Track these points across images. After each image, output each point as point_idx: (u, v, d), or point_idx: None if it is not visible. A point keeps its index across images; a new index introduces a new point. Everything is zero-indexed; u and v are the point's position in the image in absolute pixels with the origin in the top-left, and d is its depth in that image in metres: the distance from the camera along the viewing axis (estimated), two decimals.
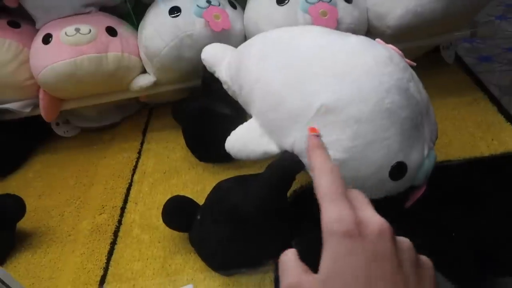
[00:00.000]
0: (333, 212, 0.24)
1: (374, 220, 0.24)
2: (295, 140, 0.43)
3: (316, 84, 0.41)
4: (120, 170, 0.74)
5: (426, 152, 0.42)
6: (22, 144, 0.82)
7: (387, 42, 0.62)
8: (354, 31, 0.63)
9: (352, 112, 0.39)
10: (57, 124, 0.82)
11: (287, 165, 0.44)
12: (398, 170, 0.40)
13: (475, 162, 0.61)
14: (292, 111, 0.42)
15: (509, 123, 0.65)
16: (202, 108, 0.65)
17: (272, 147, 0.46)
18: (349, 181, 0.41)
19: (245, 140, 0.47)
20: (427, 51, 0.79)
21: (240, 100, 0.54)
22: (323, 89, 0.40)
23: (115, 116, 0.85)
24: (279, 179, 0.45)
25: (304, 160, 0.44)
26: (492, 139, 0.63)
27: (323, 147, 0.29)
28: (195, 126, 0.68)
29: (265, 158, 0.47)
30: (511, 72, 1.33)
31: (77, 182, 0.73)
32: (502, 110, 0.68)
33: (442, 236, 0.55)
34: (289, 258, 0.26)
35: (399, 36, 0.65)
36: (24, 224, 0.64)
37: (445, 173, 0.61)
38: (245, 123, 0.49)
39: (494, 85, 1.24)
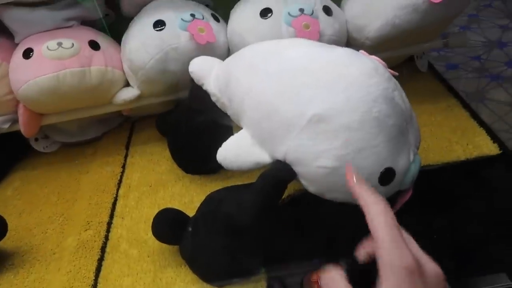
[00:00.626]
0: (394, 249, 0.27)
1: (432, 264, 0.28)
2: (288, 149, 0.44)
3: (307, 94, 0.42)
4: (104, 184, 0.73)
5: (411, 157, 0.44)
6: (0, 161, 0.79)
7: (366, 52, 0.65)
8: (335, 42, 0.66)
9: (343, 121, 0.41)
10: (36, 139, 0.80)
11: (280, 175, 0.45)
12: (387, 175, 0.42)
13: (453, 166, 0.64)
14: (284, 120, 0.43)
15: (482, 128, 0.69)
16: (188, 119, 0.65)
17: (264, 157, 0.47)
18: (340, 188, 0.43)
19: (237, 151, 0.48)
20: (403, 60, 0.82)
21: (230, 112, 0.54)
22: (314, 99, 0.42)
23: (97, 130, 0.84)
24: (272, 188, 0.46)
25: (296, 168, 0.45)
26: (467, 144, 0.66)
27: (366, 182, 0.33)
28: (180, 138, 0.68)
29: (257, 168, 0.48)
30: (477, 79, 1.40)
31: (60, 198, 0.72)
32: (474, 115, 0.72)
33: (424, 239, 0.57)
34: (338, 278, 0.28)
35: (377, 47, 0.68)
36: (4, 243, 0.62)
37: (425, 177, 0.64)
38: (236, 134, 0.50)
39: (462, 91, 1.30)
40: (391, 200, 0.46)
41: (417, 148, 0.46)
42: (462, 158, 0.64)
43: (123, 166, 0.76)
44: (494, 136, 0.67)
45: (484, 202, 0.59)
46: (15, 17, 0.66)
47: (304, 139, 0.42)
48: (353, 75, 0.42)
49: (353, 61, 0.44)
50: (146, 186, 0.71)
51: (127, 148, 0.81)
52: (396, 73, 0.47)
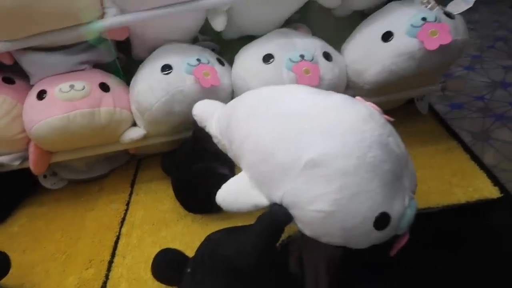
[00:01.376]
0: None
1: None
2: (284, 192, 0.45)
3: (304, 139, 0.44)
4: (108, 222, 0.74)
5: (407, 202, 0.45)
6: (8, 197, 0.81)
7: (365, 96, 0.67)
8: (335, 86, 0.68)
9: (338, 166, 0.42)
10: (45, 176, 0.82)
11: (277, 218, 0.46)
12: (382, 220, 0.42)
13: (453, 209, 0.64)
14: (281, 164, 0.45)
15: (482, 170, 0.69)
16: (192, 159, 0.67)
17: (262, 200, 0.47)
18: (336, 232, 0.44)
19: (236, 194, 0.49)
20: (403, 103, 0.84)
21: (230, 154, 0.56)
22: (311, 144, 0.43)
23: (104, 167, 0.86)
24: (269, 231, 0.46)
25: (292, 212, 0.45)
26: (468, 186, 0.66)
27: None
28: (184, 177, 0.70)
29: (255, 210, 0.48)
30: (481, 119, 1.41)
31: (64, 235, 0.73)
32: (474, 157, 0.73)
33: (427, 281, 0.57)
34: None
35: (376, 91, 0.70)
36: (6, 281, 0.63)
37: (426, 220, 0.64)
38: (235, 176, 0.51)
39: (466, 131, 1.31)
40: (388, 245, 0.46)
41: (413, 193, 0.47)
42: (463, 200, 0.64)
43: (128, 204, 0.78)
44: (494, 179, 0.67)
45: (485, 245, 0.59)
46: (32, 61, 0.70)
47: (300, 183, 0.43)
48: (349, 121, 0.44)
49: (349, 107, 0.46)
50: (149, 224, 0.72)
51: (132, 186, 0.83)
52: (392, 119, 0.49)
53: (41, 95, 0.67)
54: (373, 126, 0.44)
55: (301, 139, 0.44)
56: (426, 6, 0.53)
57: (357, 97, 0.50)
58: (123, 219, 0.74)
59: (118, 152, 0.82)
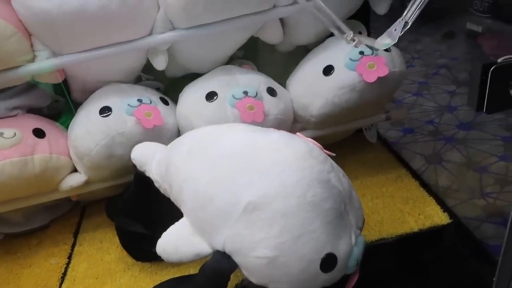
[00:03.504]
0: None
1: None
2: (225, 239, 0.42)
3: (241, 181, 0.42)
4: (47, 279, 0.67)
5: (353, 239, 0.43)
6: None
7: (313, 128, 0.67)
8: (281, 121, 0.67)
9: (278, 207, 0.40)
10: None
11: (220, 267, 0.43)
12: (328, 261, 0.41)
13: (406, 238, 0.63)
14: (220, 209, 0.42)
15: (431, 197, 0.70)
16: (135, 204, 0.63)
17: (204, 248, 0.45)
18: (282, 278, 0.41)
19: (176, 243, 0.46)
20: (352, 133, 0.85)
21: (172, 198, 0.53)
22: (248, 186, 0.41)
23: (44, 217, 0.80)
24: (213, 282, 0.43)
25: (236, 259, 0.43)
26: (419, 214, 0.66)
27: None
28: (128, 223, 0.66)
29: (197, 259, 0.45)
30: (432, 142, 1.46)
31: None
32: (423, 184, 0.73)
33: None
34: None
35: (323, 123, 0.70)
36: None
37: (380, 251, 0.63)
38: (176, 223, 0.48)
39: (420, 154, 1.35)
40: (339, 286, 0.44)
41: (360, 229, 0.46)
42: (415, 229, 0.64)
43: (69, 257, 0.72)
44: (443, 205, 0.67)
45: (443, 271, 0.59)
46: None
47: (240, 228, 0.41)
48: (287, 159, 0.43)
49: (287, 145, 0.45)
50: (93, 278, 0.66)
51: (75, 236, 0.77)
52: (333, 154, 0.48)
53: None
54: (312, 163, 0.43)
55: (238, 180, 0.43)
56: (352, 43, 0.54)
57: (297, 133, 0.49)
58: (64, 274, 0.68)
59: (59, 200, 0.76)
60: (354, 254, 0.43)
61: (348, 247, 0.42)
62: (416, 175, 0.76)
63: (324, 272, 0.41)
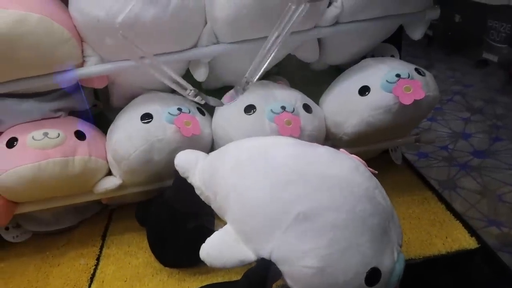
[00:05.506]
0: None
1: None
2: (273, 247, 0.43)
3: (292, 192, 0.43)
4: (76, 279, 0.68)
5: (396, 256, 0.44)
6: None
7: (343, 147, 0.68)
8: (315, 137, 0.69)
9: (328, 219, 0.41)
10: (7, 228, 0.76)
11: (265, 274, 0.44)
12: (373, 276, 0.42)
13: (434, 260, 0.64)
14: (269, 218, 0.44)
15: (457, 221, 0.70)
16: (170, 210, 0.65)
17: (249, 255, 0.46)
18: None
19: (221, 248, 0.47)
20: (378, 153, 0.86)
21: (214, 206, 0.54)
22: (299, 197, 0.43)
23: (72, 219, 0.81)
24: None
25: (281, 267, 0.44)
26: (446, 237, 0.67)
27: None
28: (160, 229, 0.67)
29: (241, 266, 0.46)
30: (447, 168, 1.47)
31: None
32: (449, 208, 0.74)
33: None
34: None
35: (354, 142, 0.72)
36: None
37: (408, 272, 0.63)
38: (220, 230, 0.49)
39: (434, 179, 1.36)
40: None
41: (400, 246, 0.47)
42: (443, 251, 0.65)
43: (98, 258, 0.73)
44: (470, 230, 0.68)
45: None
46: (3, 108, 0.67)
47: (289, 237, 0.42)
48: (337, 175, 0.44)
49: (335, 160, 0.46)
50: (121, 281, 0.67)
51: (103, 238, 0.78)
52: (376, 171, 0.49)
53: (11, 143, 0.64)
54: (360, 179, 0.45)
55: (289, 191, 0.44)
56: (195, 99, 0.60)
57: (341, 150, 0.51)
58: (93, 276, 0.69)
59: (89, 202, 0.78)
60: (396, 270, 0.44)
61: (391, 263, 0.44)
62: (441, 199, 0.77)
63: (368, 286, 0.42)
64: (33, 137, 0.63)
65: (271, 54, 0.58)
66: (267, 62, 0.59)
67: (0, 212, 0.67)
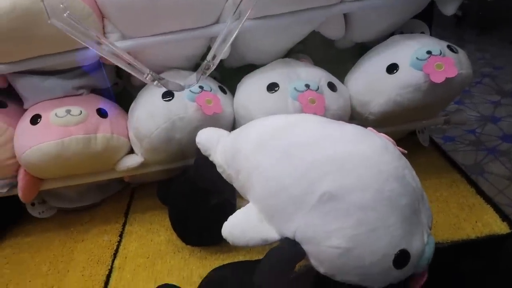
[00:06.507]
0: None
1: None
2: (297, 227, 0.42)
3: (317, 171, 0.42)
4: (100, 254, 0.69)
5: (426, 238, 0.43)
6: None
7: (367, 127, 0.66)
8: (340, 117, 0.67)
9: (355, 199, 0.40)
10: (33, 204, 0.78)
11: (288, 254, 0.43)
12: (401, 258, 0.40)
13: (462, 244, 0.62)
14: (294, 197, 0.42)
15: (488, 205, 0.68)
16: (192, 188, 0.64)
17: (272, 234, 0.45)
18: (353, 270, 0.41)
19: (244, 227, 0.46)
20: (405, 135, 0.84)
21: (236, 184, 0.53)
22: (324, 176, 0.41)
23: (96, 196, 0.82)
24: (279, 269, 0.43)
25: (305, 247, 0.43)
26: (476, 221, 0.65)
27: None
28: (182, 207, 0.67)
29: (264, 245, 0.46)
30: (474, 152, 1.42)
31: (51, 268, 0.68)
32: (480, 192, 0.71)
33: None
34: None
35: (380, 122, 0.69)
36: None
37: (434, 256, 0.62)
38: (242, 208, 0.48)
39: (461, 164, 1.32)
40: (404, 285, 0.44)
41: (430, 229, 0.45)
42: (472, 236, 0.62)
43: (121, 235, 0.74)
44: (502, 214, 0.65)
45: (497, 284, 0.57)
46: (27, 85, 0.67)
47: (314, 217, 0.41)
48: (364, 153, 0.42)
49: (363, 139, 0.44)
50: (143, 258, 0.68)
51: (125, 216, 0.79)
52: (405, 151, 0.47)
53: (35, 119, 0.64)
54: (388, 158, 0.43)
55: (314, 170, 0.42)
56: (154, 83, 0.57)
57: (369, 128, 0.49)
58: (116, 252, 0.70)
59: (111, 180, 0.78)
60: (426, 253, 0.42)
61: (421, 246, 0.42)
62: (471, 182, 0.74)
63: (396, 268, 0.41)
64: (56, 114, 0.63)
65: (233, 35, 0.57)
66: (229, 43, 0.57)
67: (26, 188, 0.68)
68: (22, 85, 0.68)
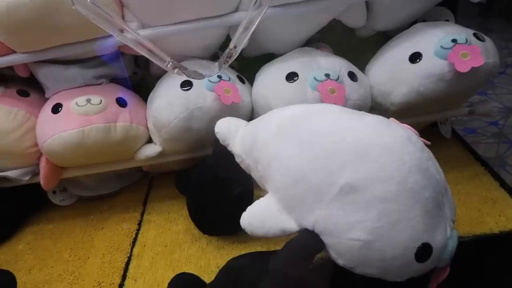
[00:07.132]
0: None
1: None
2: (317, 218, 0.42)
3: (337, 162, 0.41)
4: (119, 242, 0.71)
5: (449, 232, 0.42)
6: (14, 213, 0.78)
7: (388, 117, 0.65)
8: (360, 107, 0.66)
9: (377, 191, 0.39)
10: (54, 192, 0.80)
11: (307, 245, 0.43)
12: (424, 251, 0.39)
13: (485, 239, 0.60)
14: (314, 188, 0.42)
15: None
16: (210, 178, 0.64)
17: (291, 225, 0.44)
18: (373, 263, 0.40)
19: (263, 217, 0.46)
20: (426, 126, 0.82)
21: (255, 174, 0.53)
22: (345, 167, 0.41)
23: (115, 185, 0.83)
24: (298, 260, 0.43)
25: (325, 239, 0.42)
26: (499, 215, 0.63)
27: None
28: (201, 196, 0.67)
29: (283, 235, 0.45)
30: (496, 144, 1.38)
31: (72, 255, 0.69)
32: (504, 185, 0.69)
33: None
34: None
35: (402, 113, 0.68)
36: None
37: (456, 250, 0.60)
38: (261, 199, 0.48)
39: (482, 156, 1.28)
40: (425, 278, 0.43)
41: (453, 222, 0.44)
42: (495, 230, 0.61)
43: (139, 224, 0.75)
44: None
45: None
46: (49, 74, 0.68)
47: (335, 208, 0.40)
48: (387, 144, 0.41)
49: (386, 129, 0.43)
50: (162, 246, 0.68)
51: (144, 205, 0.80)
52: (429, 142, 0.46)
53: (56, 108, 0.65)
54: (412, 149, 0.42)
55: (334, 161, 0.42)
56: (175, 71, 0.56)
57: (391, 118, 0.48)
58: (135, 240, 0.71)
59: (130, 169, 0.79)
60: (449, 247, 0.41)
61: (444, 239, 0.41)
62: (495, 174, 0.72)
63: (418, 262, 0.40)
64: (76, 103, 0.64)
65: (256, 23, 0.56)
66: (251, 32, 0.56)
67: (47, 176, 0.69)
68: (44, 74, 0.68)
